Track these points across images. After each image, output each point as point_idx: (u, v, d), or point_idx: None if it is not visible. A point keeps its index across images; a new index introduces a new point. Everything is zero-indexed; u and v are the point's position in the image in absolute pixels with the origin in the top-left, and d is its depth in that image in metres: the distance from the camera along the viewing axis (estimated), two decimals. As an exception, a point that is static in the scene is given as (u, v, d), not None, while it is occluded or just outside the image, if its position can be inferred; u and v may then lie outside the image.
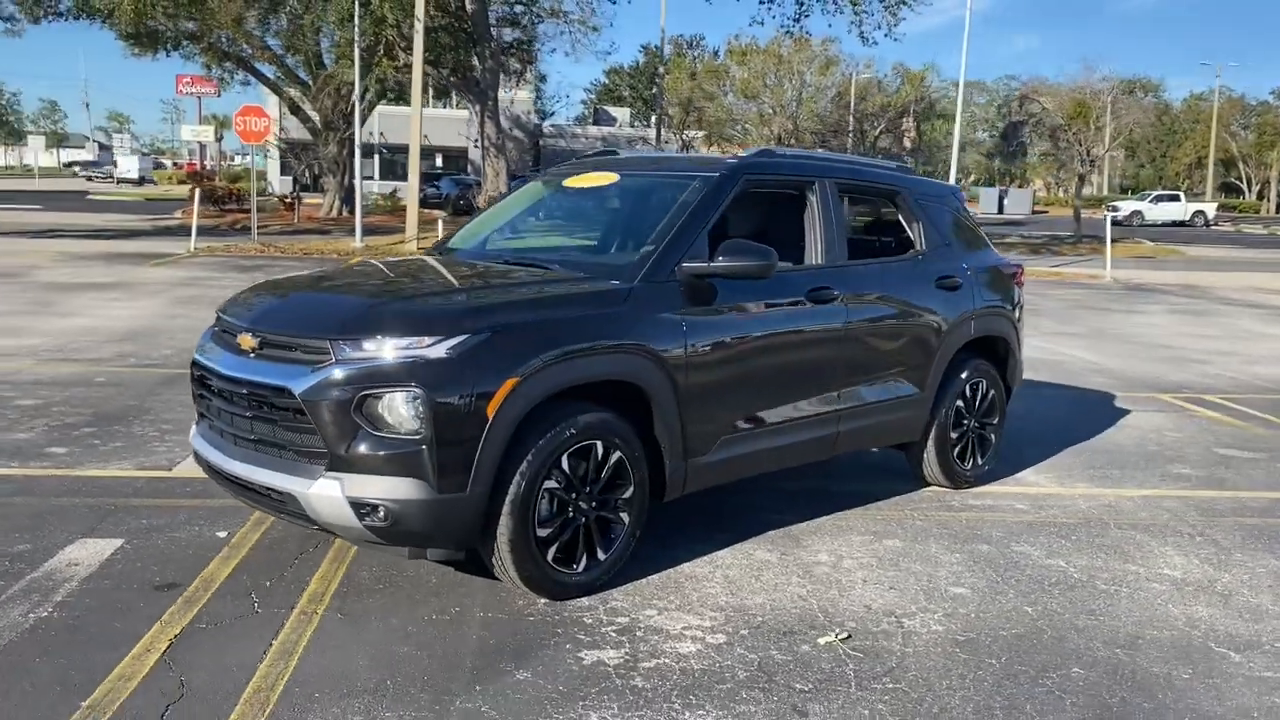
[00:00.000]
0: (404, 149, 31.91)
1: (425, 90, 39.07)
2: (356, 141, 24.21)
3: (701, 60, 66.27)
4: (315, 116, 35.13)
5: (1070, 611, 4.39)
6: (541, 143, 53.37)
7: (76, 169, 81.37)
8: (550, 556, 4.16)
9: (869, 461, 6.65)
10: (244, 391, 4.12)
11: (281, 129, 47.23)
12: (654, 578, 4.55)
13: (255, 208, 25.52)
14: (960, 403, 6.01)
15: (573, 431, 4.12)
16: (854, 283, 5.34)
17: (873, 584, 4.62)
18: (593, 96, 76.23)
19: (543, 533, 4.11)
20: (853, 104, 52.56)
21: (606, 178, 5.40)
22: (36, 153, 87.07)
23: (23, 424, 6.79)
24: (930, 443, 5.92)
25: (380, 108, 41.08)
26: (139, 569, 4.41)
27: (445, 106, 49.75)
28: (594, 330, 4.23)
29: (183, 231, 25.01)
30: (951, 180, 26.59)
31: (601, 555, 4.34)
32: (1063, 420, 8.21)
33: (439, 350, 3.86)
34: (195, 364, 4.48)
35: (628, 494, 4.39)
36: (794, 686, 3.61)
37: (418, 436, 3.81)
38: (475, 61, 24.89)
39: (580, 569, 4.27)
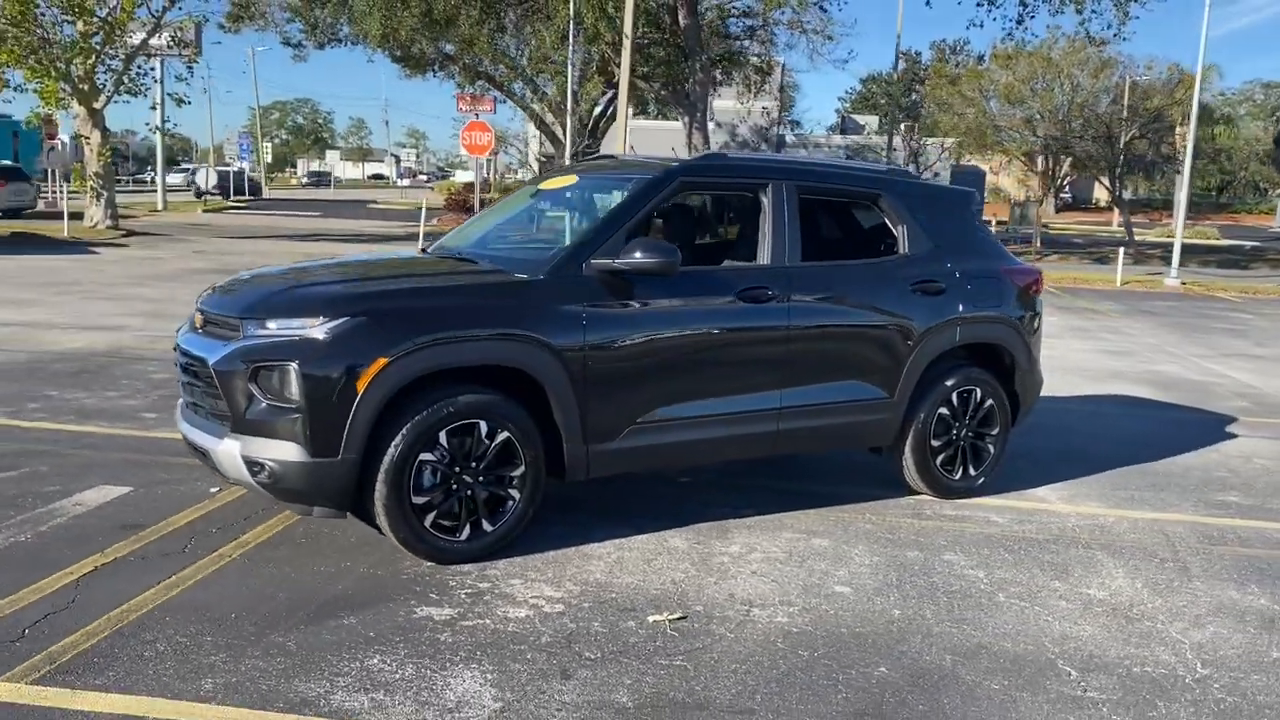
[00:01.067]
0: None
1: (664, 104, 40.25)
2: (568, 153, 25.37)
3: (965, 65, 63.98)
4: (559, 131, 37.02)
5: (937, 618, 4.34)
6: (784, 153, 53.38)
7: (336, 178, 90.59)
8: (428, 523, 4.56)
9: (865, 467, 6.58)
10: (185, 362, 4.80)
11: (541, 144, 49.87)
12: (550, 553, 4.86)
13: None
14: (945, 410, 5.89)
15: (451, 410, 4.51)
16: (803, 284, 5.40)
17: (759, 576, 4.72)
18: (846, 105, 75.46)
19: (419, 500, 4.52)
20: (1124, 108, 49.23)
21: (567, 180, 5.75)
22: (341, 166, 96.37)
23: (142, 393, 7.92)
24: (908, 449, 5.85)
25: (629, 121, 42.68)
26: (123, 511, 5.19)
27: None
28: (480, 318, 4.61)
29: (430, 237, 27.16)
30: (1182, 194, 24.57)
31: (488, 527, 4.70)
32: (1147, 441, 7.72)
33: (319, 331, 4.37)
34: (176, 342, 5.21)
35: (518, 472, 4.72)
36: (583, 654, 3.85)
37: (295, 405, 4.33)
38: (688, 75, 25.52)
39: (463, 539, 4.64)
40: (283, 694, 3.45)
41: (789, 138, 56.33)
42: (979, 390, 6.01)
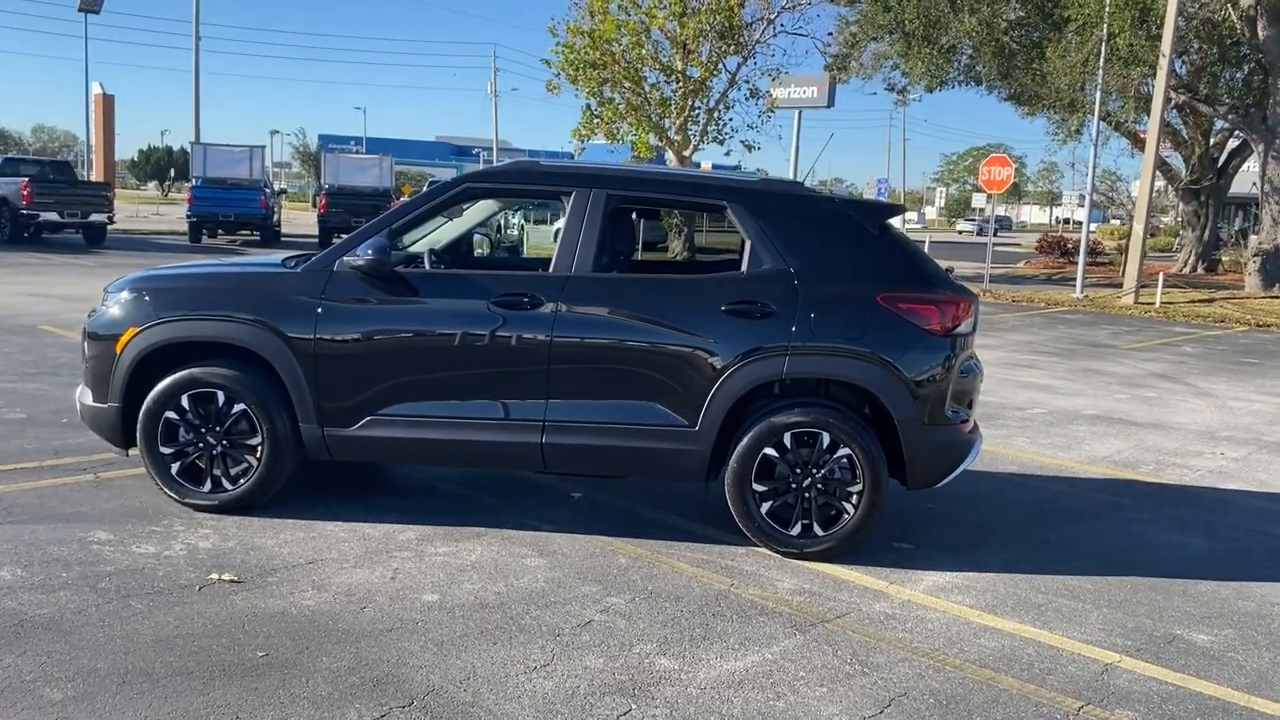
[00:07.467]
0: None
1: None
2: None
3: None
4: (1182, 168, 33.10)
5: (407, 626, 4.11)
6: None
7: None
8: (174, 471, 5.38)
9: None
10: None
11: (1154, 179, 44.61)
12: (278, 520, 5.35)
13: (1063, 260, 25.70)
14: (772, 451, 5.12)
15: (187, 378, 5.30)
16: (579, 295, 5.19)
17: (392, 572, 4.77)
18: None
19: (166, 450, 5.37)
20: None
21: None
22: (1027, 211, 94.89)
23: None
24: (726, 490, 5.21)
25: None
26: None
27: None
28: (220, 303, 5.36)
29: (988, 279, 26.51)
30: None
31: (229, 486, 5.38)
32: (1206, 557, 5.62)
33: (105, 305, 5.50)
34: None
35: (256, 441, 5.34)
36: (105, 583, 4.44)
37: (86, 360, 5.50)
38: (1268, 96, 21.43)
39: (205, 490, 5.39)
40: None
41: None
42: (827, 435, 5.10)
